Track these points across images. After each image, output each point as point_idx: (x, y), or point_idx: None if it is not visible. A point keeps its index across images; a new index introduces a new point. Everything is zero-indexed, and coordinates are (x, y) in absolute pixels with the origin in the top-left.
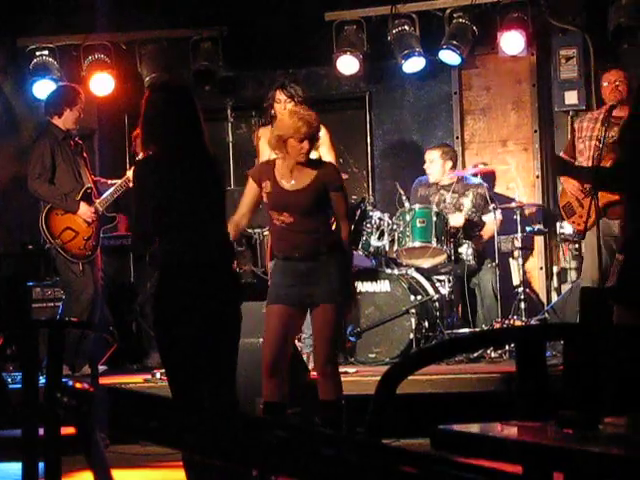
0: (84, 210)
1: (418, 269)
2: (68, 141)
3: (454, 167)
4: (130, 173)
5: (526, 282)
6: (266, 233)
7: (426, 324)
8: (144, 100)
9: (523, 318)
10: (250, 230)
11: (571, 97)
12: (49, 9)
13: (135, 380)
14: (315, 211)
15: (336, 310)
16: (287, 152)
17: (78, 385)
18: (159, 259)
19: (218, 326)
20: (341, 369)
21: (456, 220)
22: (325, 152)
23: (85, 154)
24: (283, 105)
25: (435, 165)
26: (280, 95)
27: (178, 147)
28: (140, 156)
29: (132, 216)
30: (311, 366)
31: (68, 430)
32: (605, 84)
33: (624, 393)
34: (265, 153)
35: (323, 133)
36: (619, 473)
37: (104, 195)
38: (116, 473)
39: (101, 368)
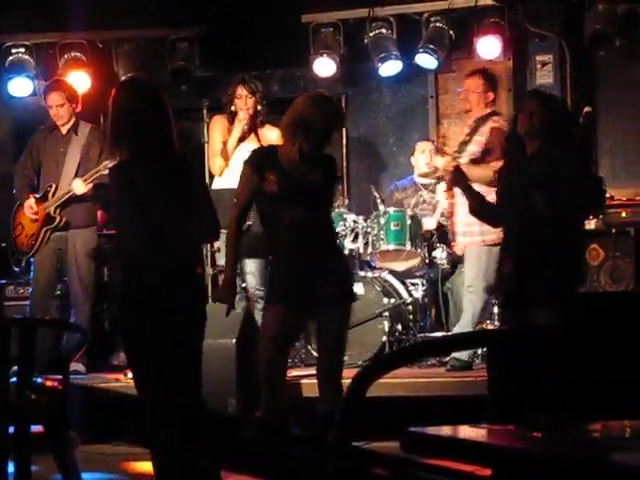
0: (26, 205)
1: (392, 272)
2: (56, 133)
3: None
4: (75, 185)
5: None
6: None
7: (399, 327)
8: (111, 99)
9: (496, 322)
10: (225, 231)
11: None
12: (25, 6)
13: (107, 379)
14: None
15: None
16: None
17: (48, 383)
18: (124, 258)
19: (183, 327)
20: (313, 371)
21: (429, 224)
22: None
23: (86, 145)
24: (244, 100)
25: (425, 156)
26: (241, 91)
27: (148, 146)
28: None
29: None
30: None
31: (39, 428)
32: None
33: (596, 398)
34: (217, 142)
35: (278, 138)
36: (586, 476)
37: (55, 197)
38: (86, 472)
39: (77, 367)
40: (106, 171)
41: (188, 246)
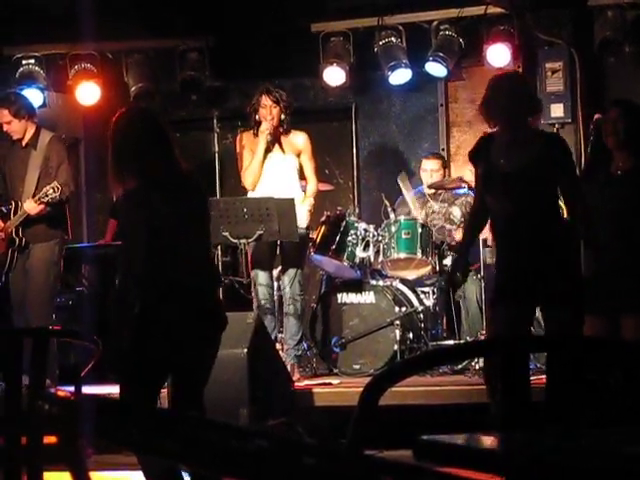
0: None
1: (403, 280)
2: (17, 145)
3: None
4: (27, 206)
5: None
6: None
7: (410, 336)
8: (110, 134)
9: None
10: (235, 240)
11: (557, 110)
12: (35, 18)
13: (117, 390)
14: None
15: None
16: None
17: (61, 394)
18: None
19: (198, 351)
20: (325, 380)
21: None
22: (306, 160)
23: (45, 159)
24: (269, 110)
25: (437, 174)
26: (266, 100)
27: (153, 169)
28: (49, 188)
29: (128, 253)
30: (295, 377)
31: (51, 439)
32: None
33: (607, 406)
34: (247, 158)
35: (304, 140)
36: None
37: (16, 216)
38: None
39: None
40: (50, 191)
41: (208, 264)
